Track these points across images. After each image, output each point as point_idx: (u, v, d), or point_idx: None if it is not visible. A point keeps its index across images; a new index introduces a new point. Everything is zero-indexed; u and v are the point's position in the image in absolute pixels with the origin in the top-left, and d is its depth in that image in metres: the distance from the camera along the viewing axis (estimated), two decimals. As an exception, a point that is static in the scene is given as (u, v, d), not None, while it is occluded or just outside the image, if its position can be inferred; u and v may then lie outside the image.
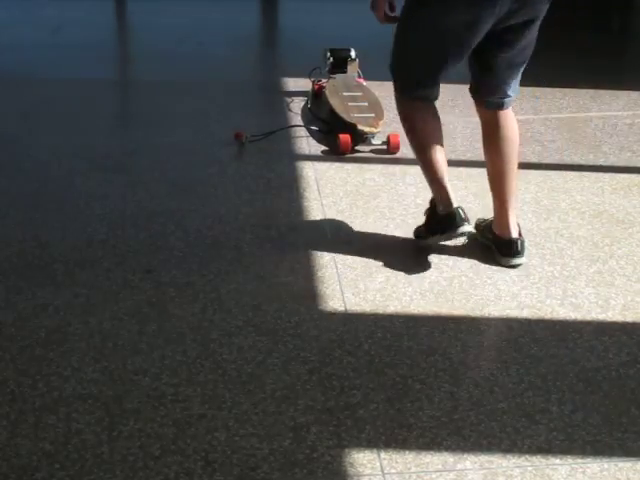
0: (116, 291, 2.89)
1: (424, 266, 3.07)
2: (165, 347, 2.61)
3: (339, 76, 4.48)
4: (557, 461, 2.22)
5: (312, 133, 4.15)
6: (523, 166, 3.85)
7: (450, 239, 3.07)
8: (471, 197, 3.59)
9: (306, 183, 3.68)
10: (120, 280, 2.96)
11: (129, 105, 5.05)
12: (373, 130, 3.98)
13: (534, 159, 4.02)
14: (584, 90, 4.94)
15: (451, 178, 3.73)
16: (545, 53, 5.51)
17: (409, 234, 3.26)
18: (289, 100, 4.61)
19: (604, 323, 2.81)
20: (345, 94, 4.11)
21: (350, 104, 4.15)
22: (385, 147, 4.00)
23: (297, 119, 4.36)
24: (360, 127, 3.96)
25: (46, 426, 2.28)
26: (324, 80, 4.54)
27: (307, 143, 4.09)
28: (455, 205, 3.02)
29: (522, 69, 3.06)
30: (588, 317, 2.83)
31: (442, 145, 3.13)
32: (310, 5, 6.65)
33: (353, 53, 4.50)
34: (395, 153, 3.97)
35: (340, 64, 4.46)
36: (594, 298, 2.93)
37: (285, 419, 2.33)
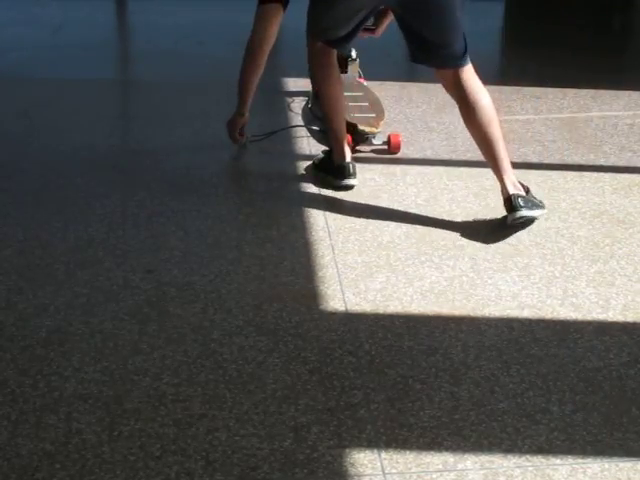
0: (116, 291, 2.89)
1: (425, 266, 3.07)
2: (166, 347, 2.61)
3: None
4: (558, 461, 2.22)
5: (312, 133, 4.15)
6: (524, 166, 3.87)
7: (336, 188, 3.57)
8: (471, 197, 3.59)
9: (306, 183, 3.68)
10: (121, 280, 2.96)
11: (129, 105, 5.05)
12: (374, 130, 3.95)
13: (535, 159, 4.02)
14: (585, 90, 4.93)
15: (451, 178, 3.75)
16: (546, 53, 5.55)
17: (410, 234, 3.26)
18: (289, 100, 4.61)
19: (605, 323, 2.80)
20: (346, 94, 4.02)
21: (351, 104, 4.09)
22: (386, 147, 3.98)
23: (297, 119, 4.36)
24: (361, 127, 3.93)
25: (47, 426, 2.28)
26: None
27: (307, 143, 4.09)
28: (348, 160, 3.57)
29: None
30: (589, 317, 2.83)
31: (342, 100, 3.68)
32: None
33: (354, 53, 4.41)
34: (396, 153, 3.96)
35: (340, 64, 4.17)
36: (595, 298, 2.93)
37: (286, 419, 2.32)
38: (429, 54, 3.34)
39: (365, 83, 4.52)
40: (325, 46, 3.53)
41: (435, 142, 4.15)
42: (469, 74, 3.34)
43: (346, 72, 4.33)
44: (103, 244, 3.18)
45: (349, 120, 3.94)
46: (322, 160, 3.71)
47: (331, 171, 3.60)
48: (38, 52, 5.41)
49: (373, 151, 4.00)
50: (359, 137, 3.96)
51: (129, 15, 6.98)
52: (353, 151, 3.83)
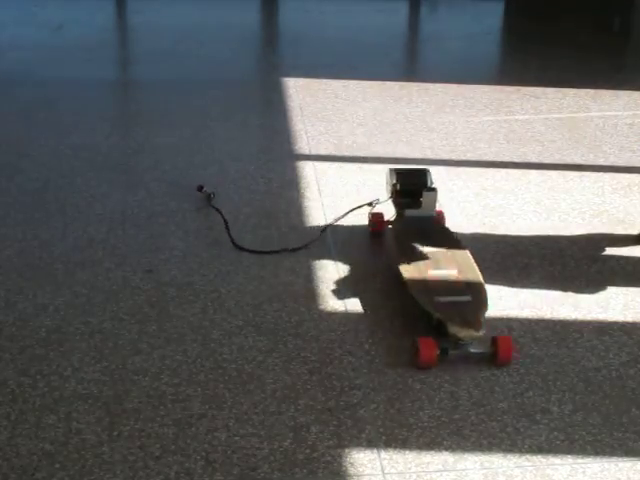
0: (116, 291, 2.89)
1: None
2: (165, 347, 2.61)
3: (410, 213, 3.07)
4: (557, 461, 2.22)
5: None
6: (523, 166, 3.87)
7: None
8: (471, 197, 3.59)
9: (306, 183, 3.68)
10: (120, 280, 2.96)
11: (129, 105, 5.04)
12: (472, 334, 2.51)
13: (534, 159, 4.01)
14: (584, 90, 4.93)
15: (451, 177, 3.75)
16: (546, 53, 5.55)
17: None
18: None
19: (604, 323, 2.80)
20: (420, 249, 2.84)
21: (431, 273, 2.73)
22: (490, 353, 2.57)
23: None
24: (452, 329, 2.52)
25: (46, 426, 2.28)
26: (386, 214, 3.23)
27: (307, 143, 4.09)
28: None
29: None
30: (588, 317, 2.83)
31: None
32: (310, 5, 6.66)
33: (432, 178, 3.14)
34: (505, 365, 2.57)
35: (411, 194, 3.10)
36: (594, 298, 2.93)
37: (285, 419, 2.32)
38: None
39: (446, 219, 3.24)
40: None
41: (435, 142, 4.15)
42: None
43: (419, 206, 3.07)
44: (103, 244, 3.18)
45: (432, 313, 2.60)
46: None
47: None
48: (38, 52, 5.41)
49: (469, 358, 2.60)
50: (449, 342, 2.55)
51: (129, 15, 6.98)
52: (438, 361, 2.55)
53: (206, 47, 5.61)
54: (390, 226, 3.16)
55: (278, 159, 3.96)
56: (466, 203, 3.54)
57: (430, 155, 4.00)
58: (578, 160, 4.04)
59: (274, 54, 5.91)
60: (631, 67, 5.71)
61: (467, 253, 2.86)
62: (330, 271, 3.02)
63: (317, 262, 3.07)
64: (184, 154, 3.97)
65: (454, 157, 3.99)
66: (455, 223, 3.35)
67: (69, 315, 2.76)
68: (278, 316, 2.77)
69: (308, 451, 2.22)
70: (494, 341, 2.55)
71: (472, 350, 2.55)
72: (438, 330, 2.56)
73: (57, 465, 2.15)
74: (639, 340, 2.73)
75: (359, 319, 2.78)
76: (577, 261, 3.15)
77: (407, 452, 2.24)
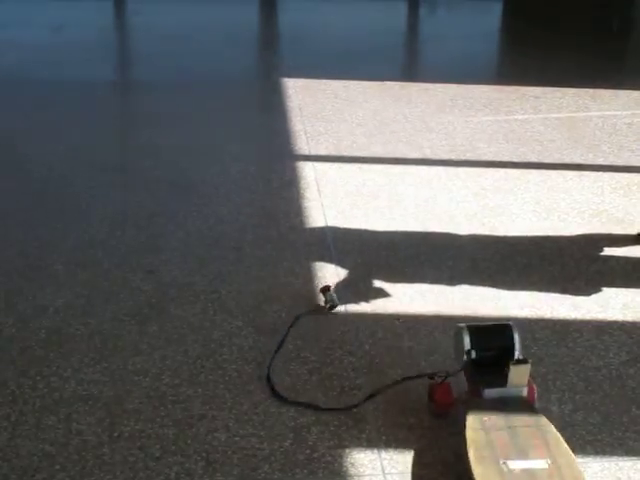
0: (117, 292, 2.89)
1: (424, 266, 3.08)
2: (166, 347, 2.61)
3: (490, 393, 2.17)
4: (558, 461, 2.22)
5: None
6: (523, 166, 3.88)
7: None
8: (471, 197, 3.59)
9: (306, 183, 3.69)
10: (120, 280, 2.96)
11: (129, 106, 5.05)
12: None
13: (534, 159, 4.02)
14: (584, 90, 4.94)
15: (451, 178, 3.75)
16: (545, 53, 5.55)
17: (409, 235, 3.27)
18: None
19: (604, 322, 2.81)
20: (506, 463, 1.96)
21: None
22: None
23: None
24: None
25: (46, 427, 2.28)
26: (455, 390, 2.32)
27: (307, 143, 4.09)
28: None
29: None
30: (588, 316, 2.84)
31: None
32: (309, 5, 6.66)
33: (519, 346, 2.22)
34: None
35: (491, 365, 2.21)
36: (594, 297, 2.93)
37: (285, 419, 2.33)
38: None
39: (537, 406, 2.27)
40: None
41: (434, 142, 4.15)
42: None
43: (504, 385, 2.18)
44: (103, 245, 3.18)
45: None
46: None
47: None
48: (38, 52, 5.41)
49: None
50: None
51: (128, 16, 6.99)
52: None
53: (205, 48, 5.62)
54: (463, 409, 2.19)
55: (278, 159, 3.96)
56: (465, 203, 3.54)
57: (429, 155, 4.01)
58: (577, 160, 4.04)
59: (274, 55, 5.92)
60: (630, 67, 5.72)
61: (570, 453, 2.04)
62: (330, 271, 3.02)
63: (317, 262, 3.08)
64: (185, 154, 3.98)
65: (453, 157, 3.99)
66: (455, 223, 3.36)
67: (69, 316, 2.76)
68: (278, 316, 2.77)
69: (308, 451, 2.22)
70: None
71: None
72: None
73: (57, 466, 2.15)
74: (639, 339, 2.73)
75: (359, 319, 2.78)
76: (576, 261, 3.15)
77: (407, 452, 2.24)
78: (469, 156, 3.99)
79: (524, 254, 3.19)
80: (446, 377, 2.28)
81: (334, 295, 2.79)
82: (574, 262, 3.15)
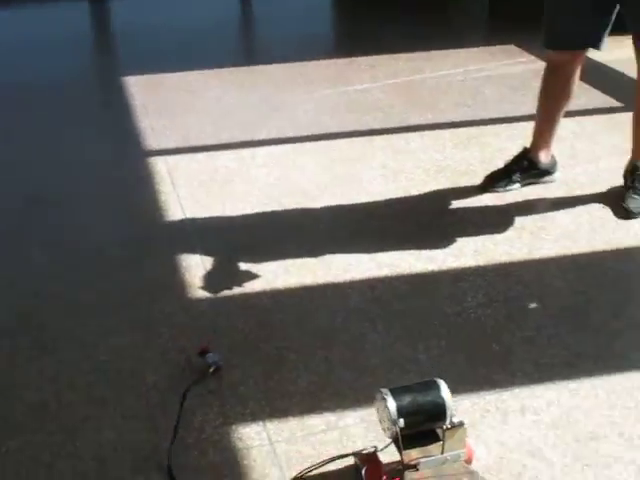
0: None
1: (283, 242, 3.17)
2: (41, 357, 2.61)
3: (427, 463, 1.97)
4: (431, 403, 2.36)
5: None
6: (367, 133, 4.02)
7: None
8: (320, 170, 3.70)
9: (160, 178, 3.71)
10: (-14, 299, 2.93)
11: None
12: None
13: (377, 125, 4.16)
14: (416, 54, 5.13)
15: (300, 153, 3.85)
16: (375, 25, 5.72)
17: (265, 215, 3.35)
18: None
19: (459, 270, 2.97)
20: None
21: None
22: None
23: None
24: None
25: None
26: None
27: (155, 139, 4.11)
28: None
29: None
30: (444, 267, 3.00)
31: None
32: (141, 2, 6.65)
33: (451, 411, 2.00)
34: None
35: (421, 435, 2.00)
36: (448, 248, 3.09)
37: (169, 407, 2.38)
38: None
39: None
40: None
41: (279, 121, 4.24)
42: None
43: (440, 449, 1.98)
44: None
45: None
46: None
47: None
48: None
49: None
50: None
51: (107, 13, 6.76)
52: None
53: (41, 55, 5.52)
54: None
55: (128, 158, 3.97)
56: (316, 176, 3.65)
57: (276, 134, 4.10)
58: (417, 121, 4.21)
59: (110, 55, 5.88)
60: (454, 31, 5.94)
61: None
62: (194, 259, 3.07)
63: (180, 254, 3.12)
64: (34, 165, 3.93)
65: (300, 133, 4.09)
66: (308, 197, 3.46)
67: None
68: (150, 308, 2.81)
69: (196, 434, 2.29)
70: None
71: None
72: None
73: (-52, 490, 2.15)
74: (492, 282, 2.91)
75: (229, 301, 2.85)
76: (428, 216, 3.31)
77: (291, 419, 2.33)
78: (314, 130, 4.09)
79: (378, 217, 3.32)
80: (375, 452, 2.04)
81: (215, 356, 2.53)
82: (426, 218, 3.30)
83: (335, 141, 3.92)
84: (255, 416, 2.35)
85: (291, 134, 4.09)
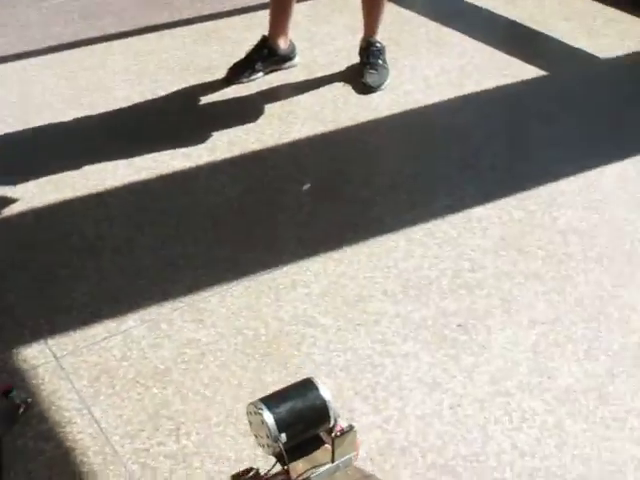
0: None
1: (37, 161, 3.10)
2: None
3: (322, 476, 1.70)
4: (206, 294, 2.45)
5: None
6: (104, 39, 3.93)
7: None
8: (63, 82, 3.61)
9: None
10: None
11: None
12: None
13: (113, 30, 4.06)
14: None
15: (38, 69, 3.71)
16: None
17: (13, 136, 3.25)
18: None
19: (215, 163, 3.04)
20: None
21: None
22: None
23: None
24: None
25: None
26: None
27: None
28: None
29: None
30: (200, 162, 3.05)
31: None
32: None
33: (334, 410, 1.68)
34: None
35: (304, 442, 1.71)
36: (202, 144, 3.14)
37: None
38: None
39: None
40: None
41: (6, 38, 4.03)
42: None
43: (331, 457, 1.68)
44: None
45: None
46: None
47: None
48: None
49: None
50: None
51: None
52: None
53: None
54: None
55: None
56: (59, 89, 3.55)
57: (6, 52, 3.89)
58: (155, 21, 4.16)
59: None
60: None
61: None
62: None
63: None
64: None
65: (33, 47, 3.92)
66: (55, 111, 3.38)
67: None
68: None
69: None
70: None
71: None
72: None
73: None
74: (249, 170, 3.00)
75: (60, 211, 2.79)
76: (178, 115, 3.33)
77: (72, 332, 2.35)
78: (50, 43, 3.95)
79: (129, 122, 3.30)
80: (258, 474, 1.75)
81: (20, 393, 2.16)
82: (176, 117, 3.33)
83: (72, 51, 3.82)
84: (36, 335, 2.34)
85: (25, 49, 3.93)
